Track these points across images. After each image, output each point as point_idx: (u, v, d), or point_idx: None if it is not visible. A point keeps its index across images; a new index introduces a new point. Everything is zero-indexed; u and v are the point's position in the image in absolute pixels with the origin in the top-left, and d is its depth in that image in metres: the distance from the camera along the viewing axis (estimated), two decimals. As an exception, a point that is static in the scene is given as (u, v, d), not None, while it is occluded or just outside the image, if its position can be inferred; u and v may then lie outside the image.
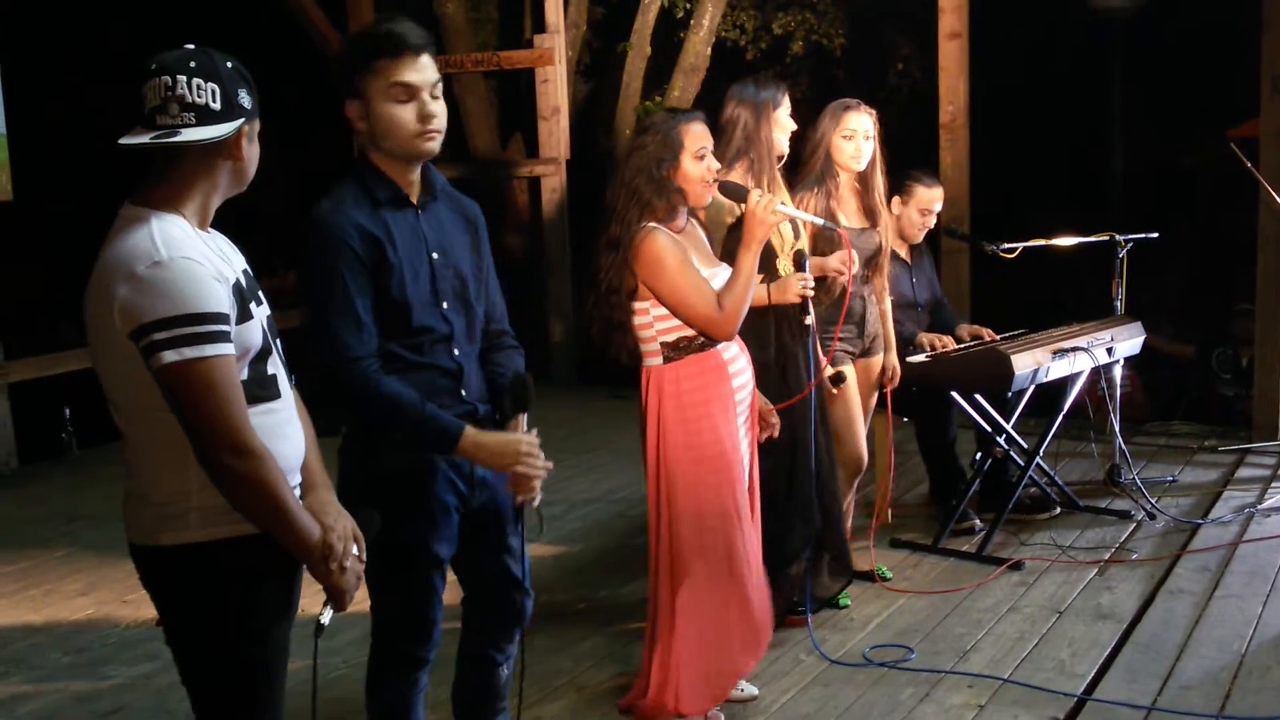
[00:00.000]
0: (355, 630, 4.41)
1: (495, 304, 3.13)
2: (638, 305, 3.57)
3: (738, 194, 3.65)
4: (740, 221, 3.68)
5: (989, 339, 5.49)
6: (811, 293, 4.02)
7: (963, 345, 5.40)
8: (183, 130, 2.25)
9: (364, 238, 2.77)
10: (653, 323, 3.58)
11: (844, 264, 4.29)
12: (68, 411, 7.73)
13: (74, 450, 7.77)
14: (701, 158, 3.53)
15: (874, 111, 4.62)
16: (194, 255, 2.25)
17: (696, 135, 3.54)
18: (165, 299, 2.19)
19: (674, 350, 3.59)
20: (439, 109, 2.81)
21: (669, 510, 3.64)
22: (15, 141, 7.50)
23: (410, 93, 2.76)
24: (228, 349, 2.26)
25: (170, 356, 2.19)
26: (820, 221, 3.95)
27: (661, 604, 3.70)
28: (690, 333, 3.57)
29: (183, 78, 2.26)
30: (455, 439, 2.83)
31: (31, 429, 7.87)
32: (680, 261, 3.50)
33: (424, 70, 2.77)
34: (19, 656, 4.60)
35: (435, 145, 2.83)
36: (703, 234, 3.77)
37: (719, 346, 3.60)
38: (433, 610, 3.03)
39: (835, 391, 4.52)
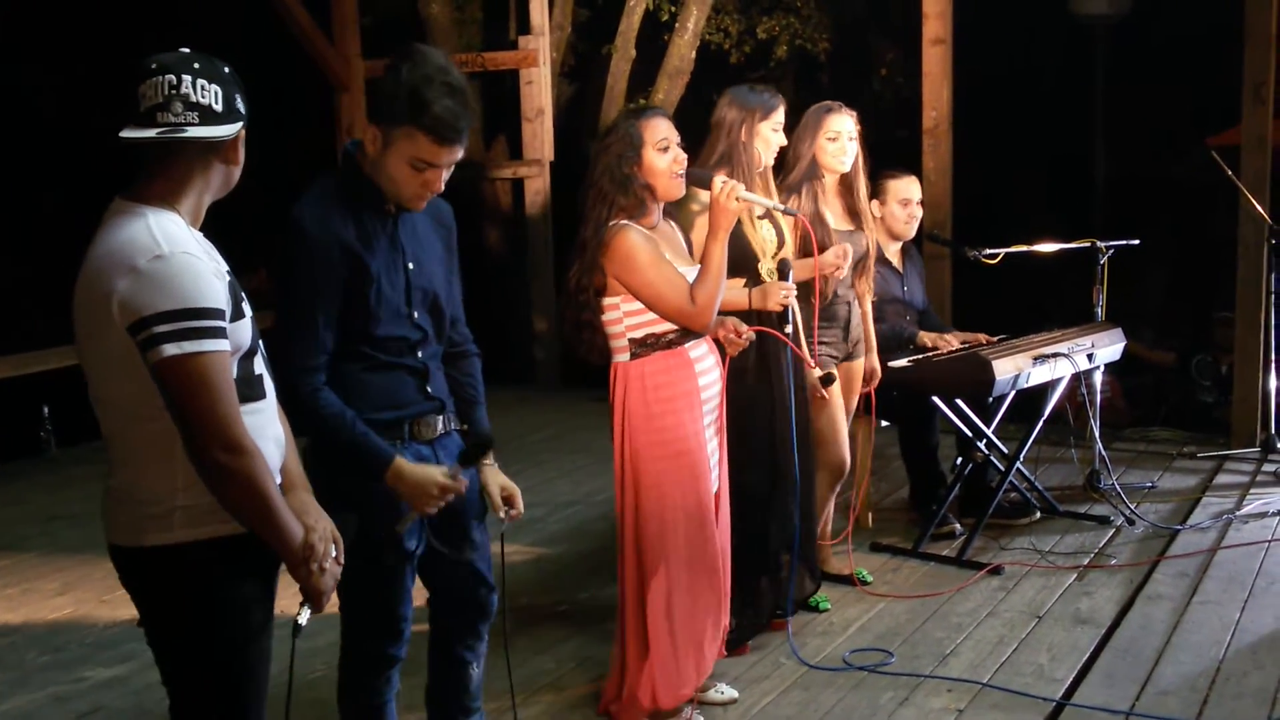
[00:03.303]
0: (335, 631, 4.39)
1: (457, 305, 3.15)
2: (607, 301, 3.60)
3: (703, 181, 3.65)
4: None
5: (985, 343, 5.51)
6: (792, 302, 4.02)
7: (950, 350, 5.41)
8: (187, 128, 2.28)
9: (345, 252, 2.80)
10: (622, 318, 3.60)
11: (838, 258, 4.36)
12: (46, 410, 7.69)
13: (52, 449, 7.72)
14: (664, 150, 3.55)
15: (855, 113, 4.62)
16: (194, 251, 2.28)
17: (657, 128, 3.56)
18: (167, 293, 2.21)
19: (641, 346, 3.61)
20: (445, 180, 2.88)
21: (635, 508, 3.65)
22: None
23: (430, 168, 2.82)
24: (225, 345, 2.28)
25: (171, 350, 2.20)
26: (780, 207, 3.94)
27: (630, 603, 3.72)
28: (658, 329, 3.59)
29: (187, 77, 2.29)
30: (384, 466, 2.84)
31: (10, 428, 7.82)
32: (653, 255, 3.53)
33: (453, 154, 2.84)
34: (-4, 656, 4.57)
35: (424, 205, 2.92)
36: (679, 235, 3.79)
37: (687, 344, 3.62)
38: (402, 607, 3.03)
39: (825, 394, 4.50)
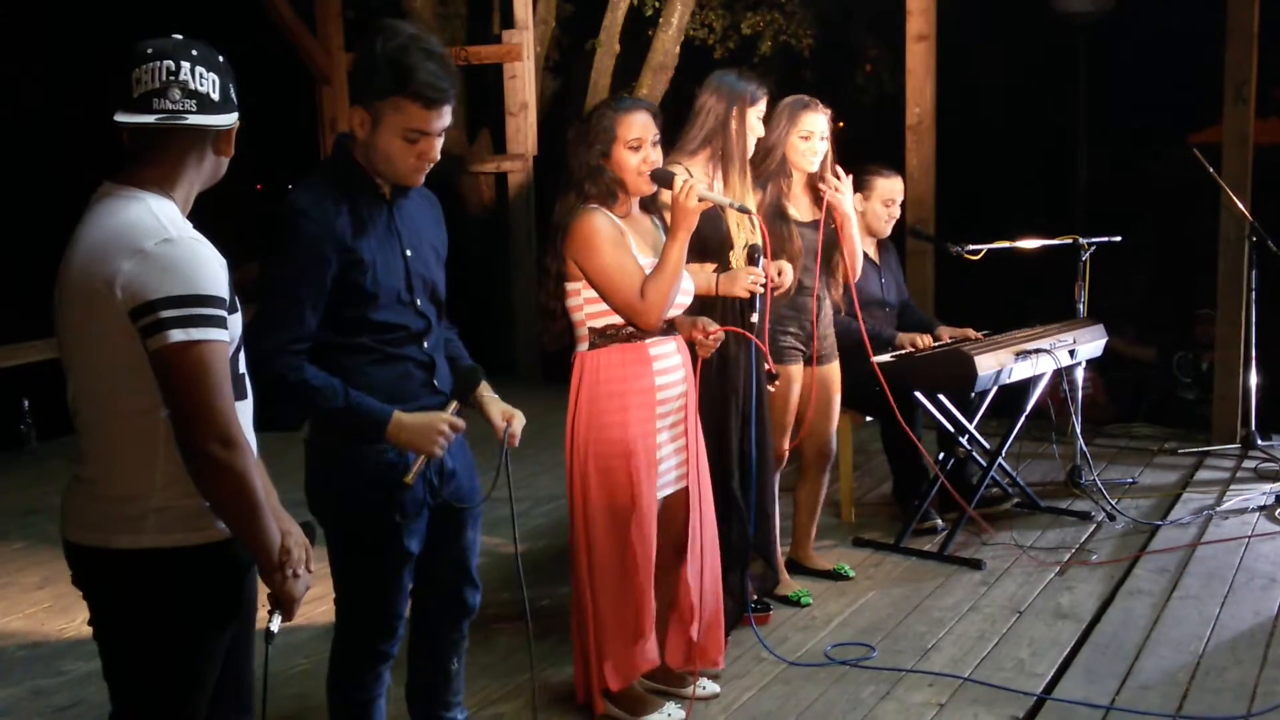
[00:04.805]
0: (316, 627, 4.39)
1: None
2: (570, 287, 3.56)
3: (666, 180, 3.56)
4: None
5: (974, 338, 5.49)
6: (761, 289, 3.97)
7: (935, 346, 5.41)
8: (187, 116, 2.23)
9: (337, 241, 2.77)
10: (583, 305, 3.57)
11: (779, 263, 4.24)
12: (26, 403, 7.64)
13: (33, 443, 7.67)
14: (635, 149, 3.51)
15: (829, 110, 4.54)
16: (199, 237, 2.25)
17: (631, 124, 3.51)
18: (175, 277, 2.16)
19: (601, 337, 3.58)
20: (439, 148, 2.84)
21: (584, 499, 3.63)
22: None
23: (423, 136, 2.79)
24: (226, 335, 2.23)
25: (177, 335, 2.15)
26: (735, 205, 3.84)
27: (580, 593, 3.72)
28: (619, 320, 3.55)
29: (186, 64, 2.24)
30: (385, 422, 2.80)
31: (-11, 421, 7.78)
32: (613, 242, 3.49)
33: (443, 118, 2.80)
34: (-26, 650, 4.54)
35: (422, 178, 2.88)
36: (658, 230, 3.73)
37: (648, 340, 3.58)
38: (399, 605, 3.03)
39: (772, 389, 4.41)
